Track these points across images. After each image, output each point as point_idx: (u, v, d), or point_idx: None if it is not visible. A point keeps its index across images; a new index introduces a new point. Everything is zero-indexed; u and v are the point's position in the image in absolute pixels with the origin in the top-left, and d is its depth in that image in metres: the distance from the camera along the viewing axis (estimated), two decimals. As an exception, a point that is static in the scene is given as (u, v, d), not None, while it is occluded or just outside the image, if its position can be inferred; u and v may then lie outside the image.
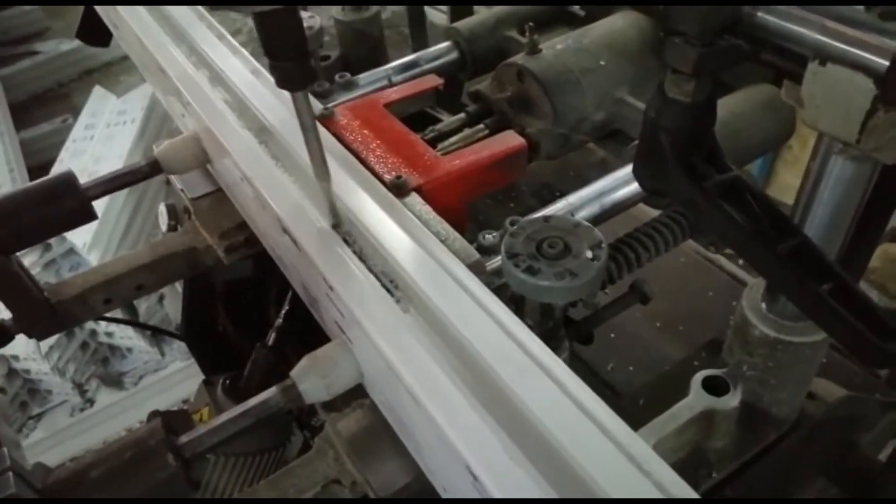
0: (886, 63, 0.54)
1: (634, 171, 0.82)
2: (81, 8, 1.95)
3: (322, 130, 0.82)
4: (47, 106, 4.94)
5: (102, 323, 3.03)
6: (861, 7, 0.56)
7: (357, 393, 0.96)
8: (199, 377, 3.02)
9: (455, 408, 0.63)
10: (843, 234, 0.75)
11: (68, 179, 1.08)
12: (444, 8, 2.45)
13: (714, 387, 0.85)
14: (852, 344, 0.65)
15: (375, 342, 0.70)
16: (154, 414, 1.89)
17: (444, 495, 0.74)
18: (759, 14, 0.62)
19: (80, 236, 2.91)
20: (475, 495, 0.60)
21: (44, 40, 5.46)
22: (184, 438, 0.77)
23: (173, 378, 3.19)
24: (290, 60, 0.69)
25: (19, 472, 0.68)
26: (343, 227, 0.84)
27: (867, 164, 0.68)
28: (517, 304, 0.86)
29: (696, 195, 0.73)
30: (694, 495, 0.56)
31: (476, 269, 0.83)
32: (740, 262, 1.50)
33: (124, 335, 3.14)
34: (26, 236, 1.08)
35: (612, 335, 1.44)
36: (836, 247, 0.76)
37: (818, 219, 0.74)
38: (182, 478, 0.74)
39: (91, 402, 3.17)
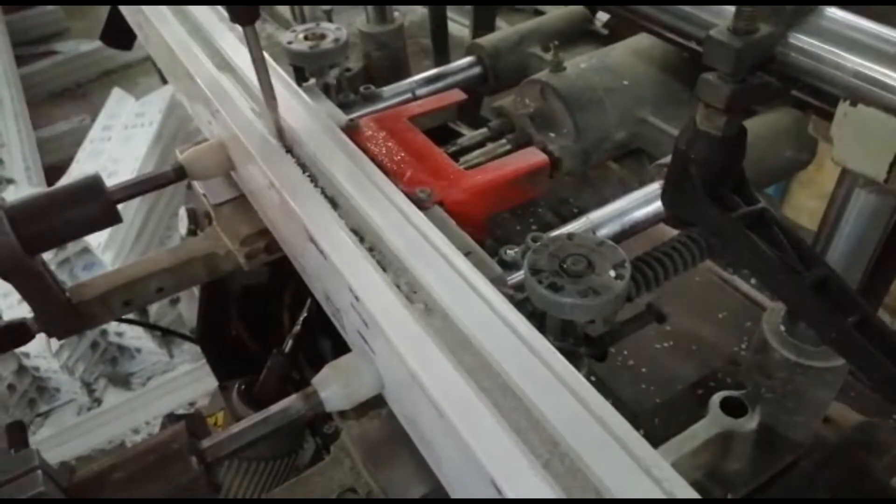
0: None
1: (663, 199, 0.83)
2: (101, 9, 1.98)
3: (270, 62, 0.99)
4: (65, 106, 5.00)
5: (114, 323, 3.04)
6: (893, 52, 0.57)
7: (374, 402, 0.97)
8: (207, 380, 3.03)
9: (479, 421, 0.64)
10: (865, 265, 0.76)
11: (95, 183, 1.10)
12: (464, 21, 2.47)
13: (732, 408, 0.86)
14: (877, 377, 0.66)
15: (400, 352, 0.71)
16: (169, 417, 1.90)
17: (463, 509, 0.74)
18: (793, 54, 0.64)
19: (95, 236, 2.93)
20: (497, 510, 0.61)
21: (63, 40, 5.53)
22: (206, 443, 0.78)
23: (181, 380, 3.20)
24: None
25: (47, 471, 0.69)
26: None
27: (890, 198, 0.69)
28: (538, 319, 0.87)
29: (724, 226, 0.75)
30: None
31: (498, 283, 0.84)
32: (752, 281, 1.50)
33: (134, 335, 3.16)
34: (52, 237, 1.09)
35: (626, 352, 1.44)
36: (856, 276, 0.77)
37: (840, 249, 0.76)
38: (204, 481, 0.75)
39: (98, 401, 3.19)
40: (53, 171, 3.75)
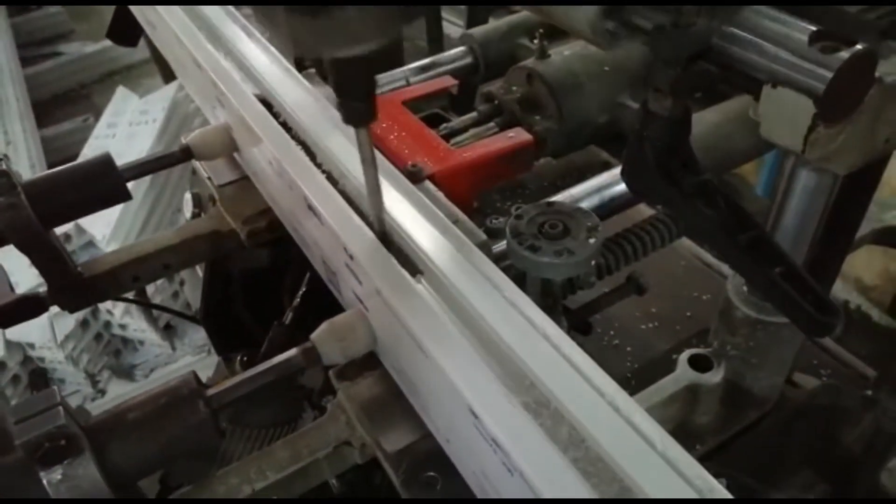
0: (823, 87, 0.65)
1: (622, 174, 0.91)
2: (106, 12, 2.06)
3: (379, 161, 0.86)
4: (69, 106, 5.08)
5: (117, 314, 3.11)
6: (806, 40, 0.66)
7: (368, 365, 1.04)
8: (209, 372, 3.09)
9: (459, 357, 0.71)
10: (811, 238, 0.85)
11: (106, 161, 1.17)
12: (458, 21, 2.55)
13: (699, 364, 0.93)
14: (797, 317, 0.76)
15: (391, 304, 0.77)
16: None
17: (447, 447, 0.81)
18: (725, 44, 0.72)
19: (99, 229, 3.00)
20: (477, 438, 0.68)
21: (67, 42, 5.63)
22: (212, 390, 0.84)
23: (184, 372, 3.26)
24: (359, 101, 0.75)
25: (67, 409, 0.75)
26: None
27: (828, 175, 0.78)
28: (519, 282, 0.94)
29: (673, 195, 0.83)
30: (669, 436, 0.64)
31: (483, 249, 0.91)
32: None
33: (137, 328, 3.22)
34: (66, 212, 1.16)
35: (612, 332, 1.51)
36: (805, 248, 0.86)
37: (789, 223, 0.84)
38: (211, 424, 0.81)
39: (102, 392, 3.24)
40: (58, 169, 3.82)
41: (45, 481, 0.72)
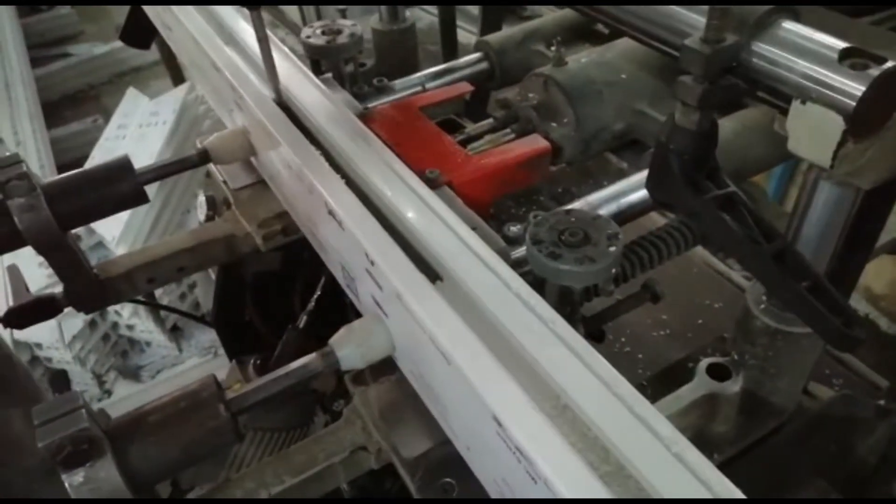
0: (853, 104, 0.65)
1: (647, 186, 0.91)
2: (115, 14, 2.07)
3: (274, 41, 1.12)
4: (78, 106, 5.12)
5: (125, 315, 3.11)
6: (836, 57, 0.67)
7: (384, 369, 1.04)
8: (218, 374, 3.10)
9: (483, 365, 0.70)
10: (832, 250, 0.85)
11: (124, 164, 1.17)
12: (472, 28, 2.56)
13: (717, 373, 0.93)
14: (824, 331, 0.76)
15: (412, 309, 0.77)
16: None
17: (467, 454, 0.81)
18: (754, 59, 0.73)
19: (109, 230, 3.01)
20: (500, 446, 0.68)
21: (77, 43, 5.66)
22: (231, 394, 0.85)
23: (190, 374, 3.27)
24: None
25: (90, 412, 0.76)
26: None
27: (850, 189, 0.78)
28: (538, 289, 0.94)
29: (699, 207, 0.84)
30: (684, 439, 0.63)
31: (501, 255, 0.91)
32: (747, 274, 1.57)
33: (145, 329, 3.23)
34: (84, 214, 1.16)
35: (623, 339, 1.51)
36: (825, 260, 0.86)
37: (810, 235, 0.85)
38: (231, 427, 0.82)
39: (109, 393, 3.25)
40: (66, 170, 3.83)
41: (66, 484, 0.72)
